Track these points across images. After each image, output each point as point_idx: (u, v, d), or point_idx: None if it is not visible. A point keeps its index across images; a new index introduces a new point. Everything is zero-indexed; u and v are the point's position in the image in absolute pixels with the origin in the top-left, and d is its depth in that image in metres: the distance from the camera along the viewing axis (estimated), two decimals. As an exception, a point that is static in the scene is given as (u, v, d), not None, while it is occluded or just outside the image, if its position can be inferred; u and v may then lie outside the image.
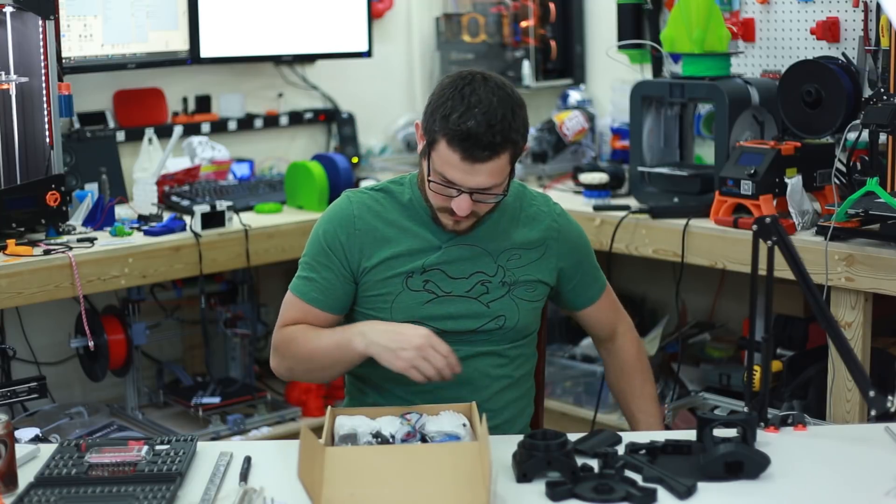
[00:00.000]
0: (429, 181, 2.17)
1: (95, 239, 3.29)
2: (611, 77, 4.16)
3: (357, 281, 2.27)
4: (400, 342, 2.08)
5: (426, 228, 2.27)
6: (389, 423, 2.04)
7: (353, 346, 2.13)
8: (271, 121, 4.30)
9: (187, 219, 3.48)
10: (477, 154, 2.08)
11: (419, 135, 2.20)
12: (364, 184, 2.45)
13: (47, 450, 2.07)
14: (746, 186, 3.11)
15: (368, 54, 4.31)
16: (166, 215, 3.55)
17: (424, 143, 2.18)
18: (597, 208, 3.52)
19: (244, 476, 1.95)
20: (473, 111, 2.08)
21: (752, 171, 3.09)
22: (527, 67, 4.30)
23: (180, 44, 3.89)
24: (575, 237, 2.38)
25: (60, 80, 3.35)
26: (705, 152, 3.82)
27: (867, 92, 3.13)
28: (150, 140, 3.82)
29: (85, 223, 3.45)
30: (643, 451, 1.97)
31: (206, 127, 4.10)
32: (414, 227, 2.27)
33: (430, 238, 2.26)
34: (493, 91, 2.11)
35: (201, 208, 3.45)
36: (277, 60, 4.25)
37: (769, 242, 2.07)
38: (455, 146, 2.09)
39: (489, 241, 2.28)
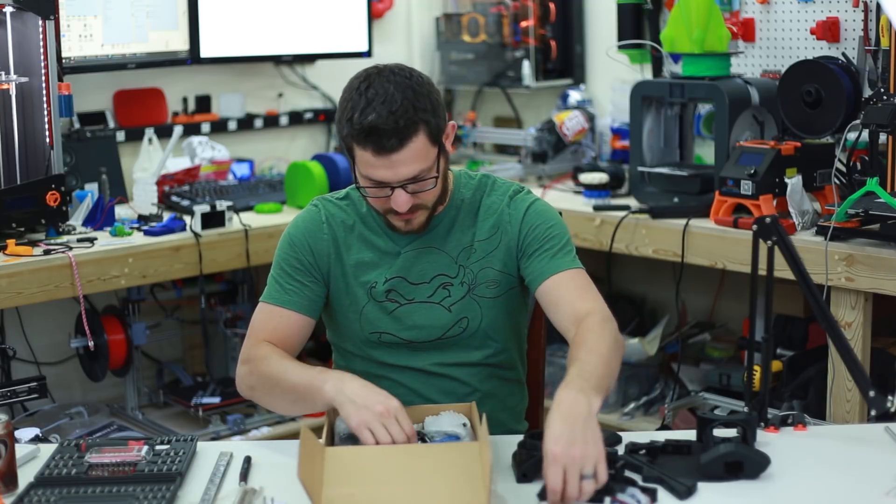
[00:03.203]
0: (361, 188, 2.13)
1: (95, 239, 3.29)
2: (611, 77, 4.16)
3: (327, 284, 2.24)
4: (366, 401, 1.95)
5: (384, 236, 2.23)
6: None
7: (324, 391, 2.00)
8: (271, 121, 4.30)
9: (187, 219, 3.48)
10: (386, 144, 2.03)
11: (345, 149, 2.14)
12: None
13: (47, 450, 2.07)
14: (746, 186, 3.11)
15: (368, 54, 4.31)
16: (166, 215, 3.56)
17: (347, 154, 2.14)
18: (597, 208, 3.53)
19: (244, 476, 1.95)
20: (372, 104, 2.03)
21: (752, 171, 3.09)
22: (527, 67, 4.30)
23: (180, 44, 3.89)
24: (527, 211, 2.23)
25: (60, 80, 3.35)
26: (705, 152, 3.82)
27: (867, 92, 3.14)
28: (150, 140, 3.82)
29: (85, 223, 3.46)
30: (643, 451, 1.97)
31: (206, 127, 4.10)
32: (372, 237, 2.24)
33: (388, 246, 2.23)
34: (388, 80, 2.06)
35: (201, 208, 3.45)
36: (277, 60, 4.25)
37: (769, 242, 2.07)
38: (364, 144, 2.05)
39: (447, 241, 2.23)
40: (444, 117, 2.13)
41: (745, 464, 1.88)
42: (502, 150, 4.43)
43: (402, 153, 2.05)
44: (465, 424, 2.03)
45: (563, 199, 3.72)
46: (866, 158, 3.02)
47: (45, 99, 3.28)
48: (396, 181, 2.08)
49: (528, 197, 2.27)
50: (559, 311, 2.15)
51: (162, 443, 2.02)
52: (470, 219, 2.25)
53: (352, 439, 2.00)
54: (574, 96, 4.27)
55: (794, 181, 3.08)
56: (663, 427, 3.36)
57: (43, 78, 3.26)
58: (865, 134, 3.04)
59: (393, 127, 2.03)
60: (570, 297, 2.15)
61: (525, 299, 2.33)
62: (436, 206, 2.19)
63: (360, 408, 1.94)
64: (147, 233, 3.41)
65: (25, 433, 2.22)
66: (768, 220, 2.07)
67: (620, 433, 2.06)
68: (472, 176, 2.30)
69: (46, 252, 3.16)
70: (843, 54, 3.24)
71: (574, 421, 1.80)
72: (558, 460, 1.76)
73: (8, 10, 3.24)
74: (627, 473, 1.89)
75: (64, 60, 3.51)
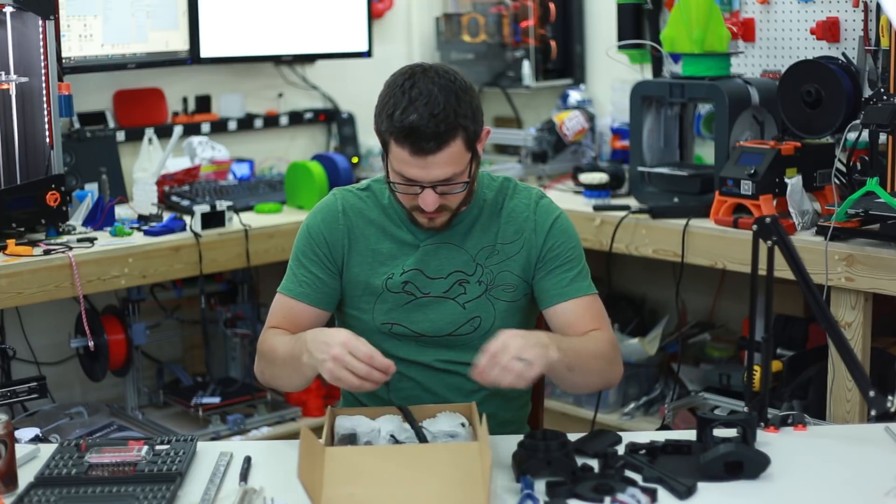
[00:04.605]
0: (392, 183, 2.16)
1: (95, 239, 3.29)
2: (611, 77, 4.16)
3: (342, 274, 2.27)
4: (322, 352, 1.97)
5: (404, 228, 2.26)
6: (389, 423, 2.04)
7: (302, 360, 2.04)
8: (271, 121, 4.30)
9: (187, 219, 3.48)
10: (424, 146, 2.06)
11: (379, 141, 2.18)
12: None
13: (47, 450, 2.07)
14: (746, 186, 3.11)
15: (368, 54, 4.31)
16: (166, 215, 3.56)
17: (382, 146, 2.17)
18: (597, 208, 3.52)
19: (244, 476, 1.95)
20: (415, 104, 2.05)
21: (752, 171, 3.09)
22: (527, 67, 4.30)
23: (180, 44, 3.89)
24: (553, 224, 2.26)
25: (60, 80, 3.35)
26: (705, 152, 3.82)
27: (867, 92, 3.13)
28: (150, 140, 3.82)
29: (85, 223, 3.45)
30: (643, 451, 1.97)
31: (206, 127, 4.10)
32: (392, 228, 2.26)
33: (408, 238, 2.25)
34: (433, 81, 2.08)
35: (201, 208, 3.45)
36: (277, 60, 4.25)
37: (769, 242, 2.07)
38: (402, 143, 2.07)
39: (467, 239, 2.25)
40: (482, 123, 2.16)
41: (745, 464, 1.88)
42: (502, 150, 4.43)
43: (438, 156, 2.08)
44: (464, 424, 2.03)
45: (563, 199, 3.72)
46: (866, 158, 3.02)
47: (45, 99, 3.28)
48: (428, 181, 2.11)
49: (553, 207, 2.30)
50: (569, 335, 2.20)
51: (162, 443, 2.02)
52: (492, 219, 2.27)
53: (351, 439, 2.00)
54: (574, 96, 4.27)
55: (794, 181, 3.08)
56: (663, 427, 3.36)
57: (43, 78, 3.26)
58: (865, 134, 3.04)
59: (433, 130, 2.05)
60: (583, 324, 2.21)
61: (535, 308, 2.34)
62: (459, 207, 2.22)
63: (322, 362, 1.98)
64: (147, 233, 3.40)
65: (25, 433, 2.22)
66: (768, 220, 2.07)
67: (620, 433, 2.06)
68: (493, 178, 2.33)
69: (46, 252, 3.16)
70: (843, 54, 3.24)
71: (529, 336, 1.99)
72: (505, 336, 1.97)
73: (8, 10, 3.24)
74: (627, 473, 1.89)
75: (64, 60, 3.51)
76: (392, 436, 2.00)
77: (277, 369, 2.18)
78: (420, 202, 2.13)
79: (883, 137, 2.96)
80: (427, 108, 2.05)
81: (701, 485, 1.85)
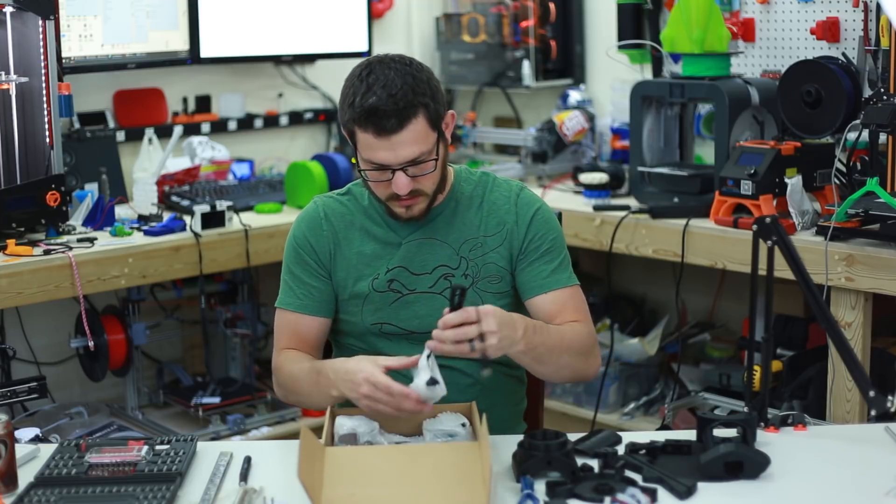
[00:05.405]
0: (364, 173, 2.18)
1: (95, 239, 3.29)
2: (611, 77, 4.16)
3: (331, 279, 2.29)
4: (353, 391, 2.04)
5: (386, 227, 2.28)
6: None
7: (332, 395, 2.11)
8: (271, 121, 4.30)
9: (187, 219, 3.48)
10: (386, 125, 2.09)
11: (347, 137, 2.20)
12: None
13: (47, 450, 2.07)
14: (746, 186, 3.11)
15: (368, 54, 4.31)
16: (166, 215, 3.56)
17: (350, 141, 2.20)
18: (597, 208, 3.53)
19: (244, 476, 1.95)
20: (373, 88, 2.09)
21: (752, 171, 3.10)
22: (527, 67, 4.30)
23: (180, 44, 3.89)
24: (534, 215, 2.28)
25: (60, 80, 3.35)
26: (705, 152, 3.82)
27: (867, 92, 3.14)
28: (150, 140, 3.82)
29: (85, 223, 3.46)
30: (643, 451, 1.97)
31: (206, 127, 4.10)
32: (374, 228, 2.28)
33: (390, 237, 2.27)
34: (389, 67, 2.12)
35: (201, 208, 3.45)
36: (277, 60, 4.25)
37: (769, 242, 2.07)
38: (365, 126, 2.11)
39: (448, 232, 2.27)
40: (444, 104, 2.19)
41: (745, 464, 1.88)
42: (502, 150, 4.43)
43: (401, 134, 2.10)
44: (464, 424, 2.03)
45: (563, 199, 3.72)
46: (866, 158, 3.02)
47: (45, 99, 3.28)
48: (397, 163, 2.13)
49: (533, 198, 2.33)
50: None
51: (162, 443, 2.02)
52: (473, 212, 2.29)
53: (351, 439, 2.00)
54: (574, 96, 4.27)
55: (794, 181, 3.08)
56: (663, 427, 3.36)
57: (43, 78, 3.26)
58: (865, 134, 3.04)
59: (393, 108, 2.08)
60: (563, 316, 2.23)
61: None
62: (436, 195, 2.23)
63: (357, 401, 2.04)
64: (147, 233, 3.41)
65: (25, 433, 2.22)
66: (768, 220, 2.07)
67: (620, 433, 2.06)
68: (472, 172, 2.36)
69: (46, 252, 3.16)
70: (843, 54, 3.24)
71: (507, 324, 2.00)
72: (489, 314, 1.96)
73: (8, 10, 3.24)
74: (627, 473, 1.89)
75: (64, 60, 3.51)
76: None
77: (304, 398, 2.25)
78: (393, 187, 2.15)
79: (883, 137, 2.96)
80: (385, 90, 2.09)
81: (701, 485, 1.85)
